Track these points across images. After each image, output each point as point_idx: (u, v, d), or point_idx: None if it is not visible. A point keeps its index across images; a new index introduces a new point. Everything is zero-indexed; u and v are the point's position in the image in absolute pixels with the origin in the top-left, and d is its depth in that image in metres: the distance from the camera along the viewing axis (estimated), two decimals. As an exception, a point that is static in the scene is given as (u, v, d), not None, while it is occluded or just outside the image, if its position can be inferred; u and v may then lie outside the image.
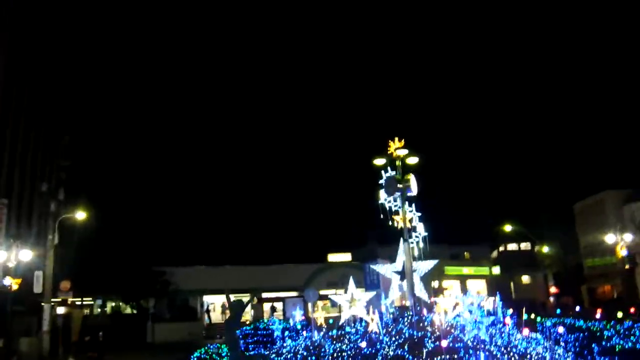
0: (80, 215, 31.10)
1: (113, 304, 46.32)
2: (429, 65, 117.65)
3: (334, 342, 16.22)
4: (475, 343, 11.92)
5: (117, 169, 65.75)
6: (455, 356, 10.99)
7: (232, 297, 46.40)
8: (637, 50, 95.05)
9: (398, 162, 18.08)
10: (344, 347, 15.22)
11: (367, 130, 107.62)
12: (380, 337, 14.15)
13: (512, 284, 59.47)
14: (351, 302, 19.20)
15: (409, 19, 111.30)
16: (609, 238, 41.50)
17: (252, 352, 17.01)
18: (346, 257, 53.00)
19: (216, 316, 46.06)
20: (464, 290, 51.00)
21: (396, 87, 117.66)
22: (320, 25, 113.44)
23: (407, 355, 12.05)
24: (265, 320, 26.37)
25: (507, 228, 54.26)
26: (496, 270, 58.59)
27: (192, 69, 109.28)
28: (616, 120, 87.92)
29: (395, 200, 17.94)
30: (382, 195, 18.05)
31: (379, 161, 18.39)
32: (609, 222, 44.84)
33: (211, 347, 19.79)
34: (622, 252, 39.85)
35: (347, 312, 19.30)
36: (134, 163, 78.51)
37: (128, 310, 44.74)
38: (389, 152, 18.34)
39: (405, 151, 17.95)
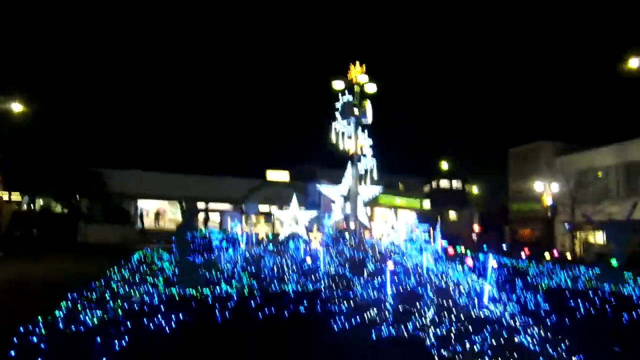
0: (17, 107, 29.60)
1: (42, 201, 45.18)
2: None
3: (274, 255, 16.64)
4: (417, 268, 12.52)
5: (61, 62, 62.71)
6: (397, 278, 11.49)
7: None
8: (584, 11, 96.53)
9: (357, 88, 18.15)
10: (283, 261, 15.65)
11: (322, 52, 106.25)
12: (322, 255, 14.58)
13: (439, 218, 61.61)
14: (293, 219, 19.69)
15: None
16: (538, 186, 43.58)
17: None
18: (284, 175, 53.20)
19: (149, 222, 45.83)
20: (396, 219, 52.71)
21: (361, 13, 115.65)
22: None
23: (349, 274, 12.52)
24: (203, 229, 26.54)
25: (443, 165, 55.92)
26: (426, 204, 60.43)
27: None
28: (556, 78, 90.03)
29: (349, 125, 18.13)
30: (338, 118, 18.18)
31: (338, 84, 18.37)
32: (540, 171, 46.90)
33: (149, 250, 19.90)
34: (547, 200, 42.05)
35: (287, 229, 19.75)
36: (79, 59, 74.81)
37: (58, 209, 43.81)
38: (348, 77, 18.35)
39: (365, 77, 17.99)
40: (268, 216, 40.60)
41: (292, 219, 19.56)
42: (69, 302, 8.28)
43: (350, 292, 11.09)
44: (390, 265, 10.83)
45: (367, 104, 17.96)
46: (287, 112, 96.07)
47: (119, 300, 8.31)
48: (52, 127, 39.46)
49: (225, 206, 46.92)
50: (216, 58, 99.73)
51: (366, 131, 18.18)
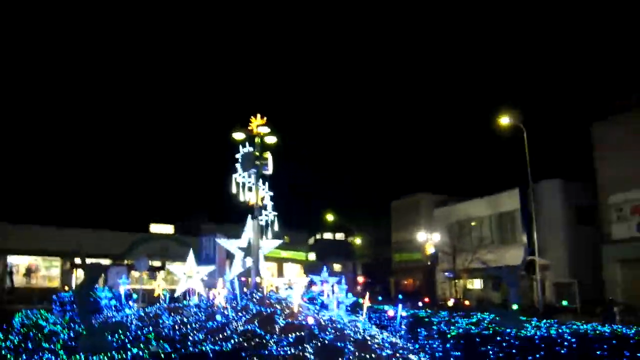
0: None
1: None
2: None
3: (172, 314, 15.82)
4: (331, 322, 12.33)
5: None
6: (310, 333, 11.23)
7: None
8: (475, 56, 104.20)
9: (257, 139, 18.08)
10: (184, 319, 14.90)
11: (217, 104, 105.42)
12: (228, 312, 14.04)
13: (324, 269, 62.20)
14: (189, 274, 18.94)
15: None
16: (421, 236, 45.48)
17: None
18: (168, 228, 51.61)
19: (19, 280, 42.10)
20: (280, 272, 52.56)
21: (261, 66, 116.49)
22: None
23: (259, 331, 12.09)
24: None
25: (329, 217, 56.93)
26: (312, 256, 60.90)
27: None
28: (434, 133, 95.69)
29: (249, 176, 17.95)
30: (238, 169, 17.96)
31: (238, 135, 18.23)
32: (420, 221, 49.02)
33: (31, 312, 18.19)
34: (429, 249, 43.90)
35: (183, 285, 18.93)
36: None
37: None
38: (249, 128, 18.26)
39: (266, 129, 17.99)
40: (152, 272, 38.81)
41: (188, 273, 18.82)
42: None
43: (265, 351, 10.69)
44: (310, 320, 10.59)
45: (268, 155, 17.91)
46: (172, 164, 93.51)
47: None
48: None
49: (106, 261, 44.30)
50: (109, 101, 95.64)
51: (267, 183, 18.08)
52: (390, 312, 12.73)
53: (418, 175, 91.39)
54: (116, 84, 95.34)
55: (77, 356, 8.61)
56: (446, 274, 43.41)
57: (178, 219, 54.72)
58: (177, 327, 14.16)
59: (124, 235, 45.47)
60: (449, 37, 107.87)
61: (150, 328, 13.82)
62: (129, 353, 8.69)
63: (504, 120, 33.46)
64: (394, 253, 54.78)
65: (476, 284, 43.67)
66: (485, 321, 14.95)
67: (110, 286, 26.90)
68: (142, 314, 16.74)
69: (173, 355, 8.58)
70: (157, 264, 42.74)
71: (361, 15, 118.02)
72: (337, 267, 63.85)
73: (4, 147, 76.36)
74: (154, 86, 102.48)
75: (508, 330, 12.28)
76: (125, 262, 41.01)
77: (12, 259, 42.04)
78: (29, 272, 43.15)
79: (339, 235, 71.07)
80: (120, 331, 11.34)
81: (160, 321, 15.00)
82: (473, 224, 43.95)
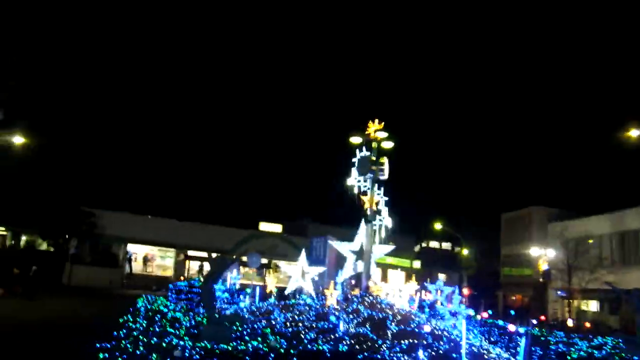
0: (18, 139, 29.12)
1: (25, 237, 43.97)
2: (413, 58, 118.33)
3: (283, 310, 16.11)
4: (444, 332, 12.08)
5: (65, 99, 62.22)
6: (425, 342, 11.06)
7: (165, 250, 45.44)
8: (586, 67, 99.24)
9: (374, 144, 18.08)
10: (296, 316, 15.14)
11: (328, 108, 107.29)
12: (338, 313, 14.12)
13: (429, 279, 61.22)
14: (300, 274, 19.30)
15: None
16: (534, 251, 43.52)
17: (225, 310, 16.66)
18: (277, 227, 52.84)
19: (137, 266, 44.86)
20: (384, 278, 52.20)
21: (378, 71, 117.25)
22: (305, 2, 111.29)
23: (371, 335, 12.06)
24: (199, 279, 25.92)
25: (436, 226, 55.85)
26: (417, 264, 60.04)
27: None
28: (549, 143, 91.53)
29: (365, 181, 17.97)
30: (354, 173, 18.04)
31: (355, 139, 18.33)
32: (532, 236, 46.91)
33: (151, 297, 19.23)
34: (543, 265, 41.91)
35: (294, 283, 19.29)
36: (82, 98, 74.36)
37: (43, 247, 42.64)
38: (366, 132, 18.30)
39: (384, 134, 17.95)
40: (260, 269, 39.80)
41: (299, 273, 19.17)
42: (106, 354, 7.74)
43: (378, 355, 10.62)
44: (426, 328, 10.43)
45: (385, 161, 17.84)
46: (284, 165, 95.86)
47: (160, 354, 7.77)
48: (44, 161, 38.34)
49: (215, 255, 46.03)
50: (224, 103, 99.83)
51: (382, 188, 18.02)
52: (511, 327, 12.26)
53: (531, 187, 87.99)
54: (242, 84, 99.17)
55: (201, 343, 8.95)
56: (559, 292, 41.27)
57: (286, 218, 55.95)
58: (288, 324, 14.42)
59: (235, 232, 47.03)
60: (579, 44, 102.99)
61: (264, 323, 14.17)
62: (249, 345, 8.92)
63: (634, 133, 31.29)
64: (503, 267, 52.82)
65: (592, 305, 41.17)
66: (608, 346, 14.10)
67: (223, 279, 27.99)
68: (255, 309, 17.23)
69: (291, 351, 8.73)
70: (264, 261, 43.81)
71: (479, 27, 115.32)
72: (442, 276, 62.55)
73: (135, 142, 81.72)
74: (278, 89, 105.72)
75: (635, 358, 11.52)
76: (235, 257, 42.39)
77: (131, 247, 44.81)
78: (145, 260, 45.89)
79: (446, 245, 69.58)
80: (238, 323, 11.71)
81: (272, 317, 15.35)
82: (590, 241, 41.47)
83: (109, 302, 25.06)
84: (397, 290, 18.24)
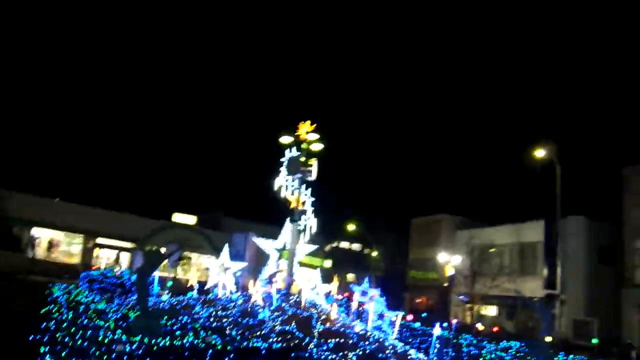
0: None
1: None
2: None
3: (205, 305, 16.11)
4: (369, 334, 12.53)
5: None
6: (350, 342, 11.46)
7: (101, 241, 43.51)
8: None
9: (304, 145, 18.39)
10: (218, 312, 15.18)
11: (258, 106, 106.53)
12: (262, 310, 14.31)
13: (337, 278, 62.28)
14: (221, 268, 19.27)
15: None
16: (442, 257, 45.46)
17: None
18: (191, 219, 52.00)
19: (40, 251, 42.68)
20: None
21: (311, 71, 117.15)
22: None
23: (297, 332, 12.33)
24: (113, 268, 25.29)
25: (349, 227, 57.09)
26: (327, 263, 60.98)
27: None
28: (462, 154, 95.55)
29: (293, 181, 18.25)
30: (283, 172, 18.28)
31: (286, 139, 18.58)
32: (440, 241, 48.95)
33: (64, 286, 18.57)
34: (449, 271, 43.86)
35: (214, 278, 19.26)
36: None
37: None
38: (296, 133, 18.59)
39: (315, 136, 18.28)
40: (174, 262, 39.11)
41: (221, 267, 19.14)
42: (46, 348, 7.47)
43: (306, 353, 10.92)
44: (356, 328, 10.80)
45: (314, 162, 18.20)
46: (205, 159, 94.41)
47: (100, 348, 7.63)
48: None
49: (126, 244, 44.76)
50: (151, 88, 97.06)
51: (309, 189, 18.37)
52: (436, 330, 12.91)
53: (441, 195, 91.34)
54: (169, 77, 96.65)
55: (135, 337, 8.87)
56: (461, 297, 43.29)
57: (201, 211, 55.12)
58: (212, 319, 14.45)
59: (147, 222, 45.85)
60: (493, 63, 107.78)
61: (188, 318, 14.11)
62: (185, 340, 8.95)
63: (539, 153, 33.41)
64: (410, 270, 54.71)
65: (490, 310, 43.48)
66: (513, 349, 15.10)
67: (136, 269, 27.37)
68: (175, 303, 17.07)
69: (228, 347, 8.84)
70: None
71: (398, 38, 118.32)
72: (350, 277, 63.85)
73: (48, 123, 77.88)
74: (208, 85, 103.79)
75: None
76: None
77: (36, 231, 42.61)
78: (50, 245, 43.74)
79: (356, 246, 71.03)
80: (165, 317, 11.65)
81: (194, 312, 15.31)
82: (492, 250, 43.75)
83: (17, 289, 23.86)
84: (314, 289, 18.61)
